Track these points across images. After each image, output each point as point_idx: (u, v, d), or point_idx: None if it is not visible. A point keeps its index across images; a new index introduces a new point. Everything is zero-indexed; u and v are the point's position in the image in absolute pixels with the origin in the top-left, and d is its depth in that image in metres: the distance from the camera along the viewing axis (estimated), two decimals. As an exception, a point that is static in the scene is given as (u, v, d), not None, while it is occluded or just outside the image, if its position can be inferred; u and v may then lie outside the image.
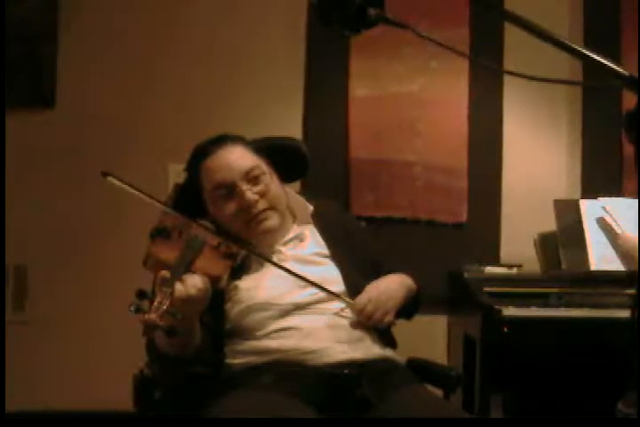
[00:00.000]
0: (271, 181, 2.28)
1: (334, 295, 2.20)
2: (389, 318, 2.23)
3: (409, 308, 2.36)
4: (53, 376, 3.68)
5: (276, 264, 2.21)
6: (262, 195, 2.24)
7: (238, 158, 2.26)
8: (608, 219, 3.41)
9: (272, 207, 2.26)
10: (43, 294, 3.72)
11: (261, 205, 2.24)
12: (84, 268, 3.73)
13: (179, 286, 1.90)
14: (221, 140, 2.28)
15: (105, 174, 2.12)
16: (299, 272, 2.19)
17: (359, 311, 2.18)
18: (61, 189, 3.73)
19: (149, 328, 1.80)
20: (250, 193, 2.22)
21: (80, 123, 3.77)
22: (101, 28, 3.79)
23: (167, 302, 1.83)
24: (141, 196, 2.14)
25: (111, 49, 3.80)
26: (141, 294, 1.83)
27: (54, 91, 3.74)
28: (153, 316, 1.79)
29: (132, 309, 1.79)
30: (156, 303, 1.82)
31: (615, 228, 3.37)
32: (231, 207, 2.22)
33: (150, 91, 3.80)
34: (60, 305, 3.71)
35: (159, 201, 2.18)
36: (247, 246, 2.21)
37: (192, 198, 2.27)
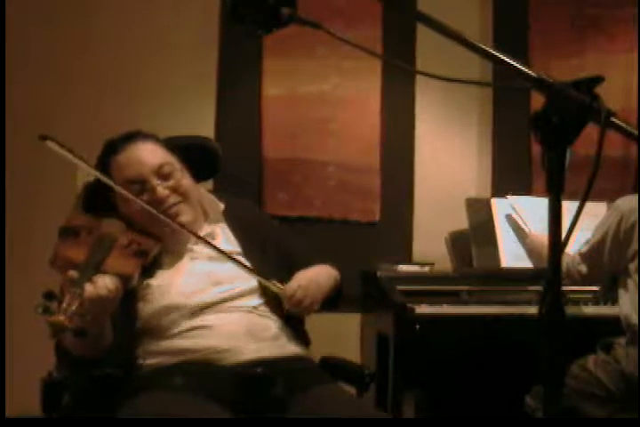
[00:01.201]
0: (182, 177, 2.27)
1: (264, 280, 2.20)
2: (316, 305, 2.23)
3: (333, 297, 2.37)
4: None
5: (207, 242, 2.21)
6: (174, 190, 2.23)
7: (149, 154, 2.24)
8: (516, 217, 3.47)
9: (184, 201, 2.25)
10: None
11: (172, 199, 2.22)
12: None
13: (88, 287, 1.88)
14: (132, 137, 2.26)
15: (44, 138, 2.09)
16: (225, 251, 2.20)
17: (289, 298, 2.17)
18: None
19: (57, 330, 1.77)
20: (161, 188, 2.20)
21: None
22: (22, 27, 3.70)
23: (76, 303, 1.80)
24: (81, 163, 2.13)
25: (25, 49, 3.71)
26: (49, 295, 1.79)
27: None
28: (61, 317, 1.76)
29: (39, 310, 1.76)
30: (64, 304, 1.79)
31: (522, 226, 3.44)
32: (136, 201, 2.19)
33: (63, 90, 3.73)
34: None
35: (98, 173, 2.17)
36: (159, 243, 2.18)
37: (102, 196, 2.25)
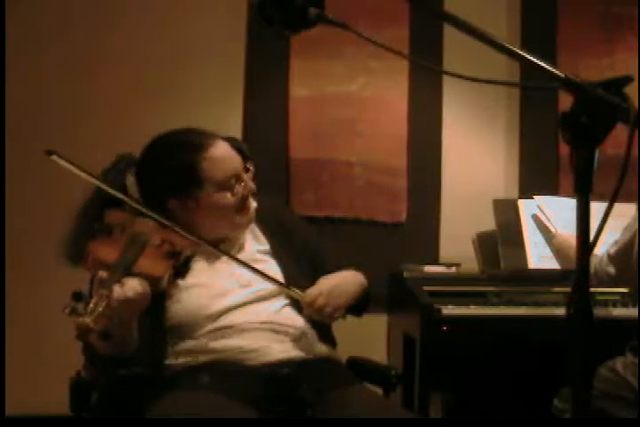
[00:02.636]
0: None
1: (286, 288, 2.18)
2: (339, 313, 2.21)
3: (359, 305, 2.34)
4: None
5: (232, 257, 2.20)
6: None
7: (234, 152, 2.27)
8: (542, 217, 3.45)
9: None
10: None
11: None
12: (18, 267, 3.67)
13: (117, 289, 1.86)
14: (207, 134, 2.27)
15: (49, 153, 2.08)
16: (255, 267, 2.19)
17: (309, 304, 2.15)
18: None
19: (83, 332, 1.76)
20: (251, 184, 2.26)
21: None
22: (46, 24, 3.73)
23: (103, 305, 1.79)
24: (88, 177, 2.11)
25: (51, 46, 3.74)
26: (77, 296, 1.79)
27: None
28: (87, 319, 1.75)
29: (67, 311, 1.75)
30: (91, 305, 1.78)
31: (549, 226, 3.42)
32: (229, 197, 2.21)
33: (91, 91, 3.75)
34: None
35: (104, 183, 2.14)
36: (193, 244, 2.18)
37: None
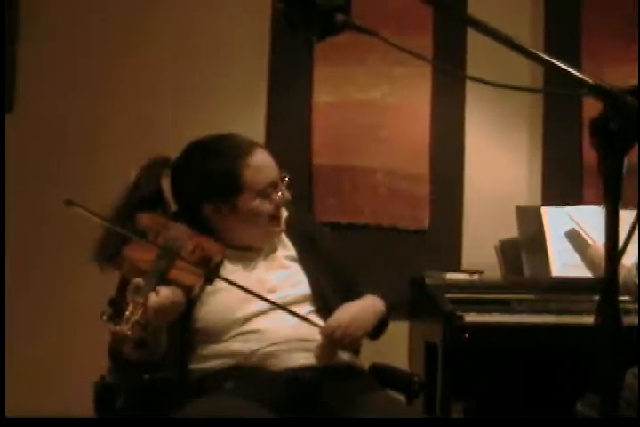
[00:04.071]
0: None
1: (303, 319, 2.18)
2: (355, 344, 2.26)
3: (376, 332, 2.35)
4: (12, 382, 3.62)
5: (241, 287, 2.15)
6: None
7: (273, 160, 2.30)
8: (579, 229, 3.42)
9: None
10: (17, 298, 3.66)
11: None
12: (43, 275, 3.68)
13: (152, 297, 1.87)
14: (247, 141, 2.30)
15: (69, 203, 2.07)
16: (267, 297, 2.17)
17: (327, 336, 2.16)
18: (22, 194, 3.68)
19: (119, 340, 1.77)
20: (287, 192, 2.28)
21: (39, 127, 3.72)
22: (63, 32, 3.76)
23: (139, 313, 1.79)
24: (108, 225, 2.10)
25: (71, 51, 3.76)
26: (113, 303, 1.80)
27: (13, 94, 3.69)
28: (125, 328, 1.76)
29: (104, 317, 1.76)
30: (127, 313, 1.78)
31: (586, 238, 3.39)
32: (266, 205, 2.24)
33: (113, 97, 3.76)
34: (18, 311, 3.67)
35: (126, 231, 2.10)
36: (223, 249, 2.19)
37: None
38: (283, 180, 2.28)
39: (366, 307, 2.28)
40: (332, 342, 2.16)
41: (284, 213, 2.31)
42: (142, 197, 2.22)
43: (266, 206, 2.23)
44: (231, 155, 2.23)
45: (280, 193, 2.25)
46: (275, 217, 2.27)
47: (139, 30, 3.81)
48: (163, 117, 3.74)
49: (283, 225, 2.30)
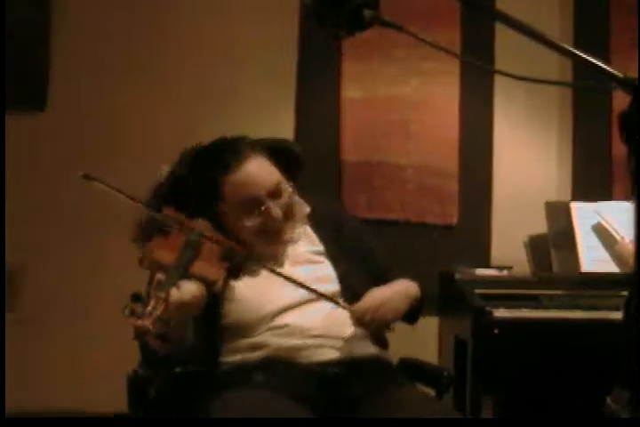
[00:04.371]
0: (290, 193, 2.28)
1: (333, 301, 2.18)
2: (384, 329, 2.24)
3: (410, 315, 2.34)
4: (46, 377, 3.67)
5: (274, 271, 2.18)
6: (283, 208, 2.24)
7: (264, 174, 2.24)
8: (605, 224, 3.41)
9: (290, 219, 2.27)
10: (35, 294, 3.70)
11: (282, 218, 2.24)
12: (77, 268, 3.72)
13: (174, 292, 1.88)
14: (241, 153, 2.24)
15: (86, 177, 2.10)
16: (299, 280, 2.17)
17: (357, 319, 2.16)
18: (54, 191, 3.73)
19: (141, 334, 1.78)
20: (275, 210, 2.22)
21: (71, 125, 3.76)
22: (93, 30, 3.79)
23: (161, 308, 1.81)
24: (124, 198, 2.12)
25: (102, 51, 3.79)
26: (136, 298, 1.81)
27: (46, 93, 3.73)
28: (146, 322, 1.77)
29: (126, 312, 1.77)
30: (149, 308, 1.80)
31: (614, 234, 3.38)
32: (254, 221, 2.21)
33: (143, 93, 3.80)
34: (51, 305, 3.71)
35: (140, 201, 2.15)
36: (246, 247, 2.20)
37: (181, 192, 2.25)
38: (273, 192, 2.23)
39: (398, 290, 2.26)
40: (362, 325, 2.16)
41: (304, 211, 2.30)
42: (170, 193, 2.25)
43: (249, 221, 2.21)
44: (215, 167, 2.22)
45: (266, 210, 2.21)
46: (267, 232, 2.23)
47: (169, 28, 3.83)
48: (193, 114, 3.77)
49: (287, 237, 2.27)
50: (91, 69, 3.78)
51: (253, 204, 2.20)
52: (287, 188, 2.27)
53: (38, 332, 3.70)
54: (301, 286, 2.16)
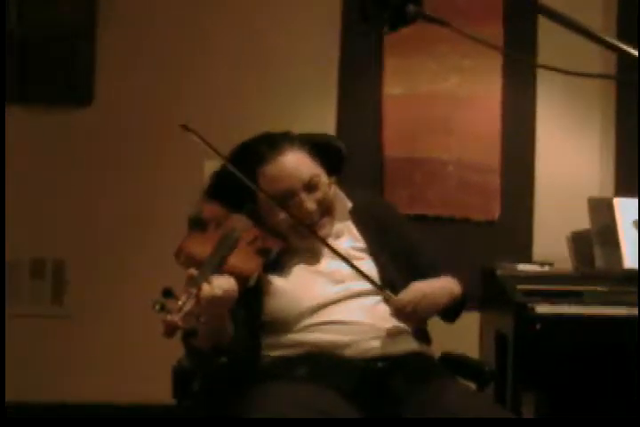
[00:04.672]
0: (328, 188, 2.26)
1: (378, 288, 2.17)
2: (424, 323, 2.26)
3: (449, 313, 2.33)
4: (91, 370, 3.72)
5: (331, 248, 2.17)
6: (320, 203, 2.23)
7: (299, 166, 2.22)
8: None
9: (327, 214, 2.25)
10: (81, 287, 3.76)
11: (317, 213, 2.22)
12: (122, 262, 3.77)
13: (205, 287, 1.87)
14: (279, 146, 2.23)
15: (184, 127, 2.13)
16: (351, 261, 2.16)
17: (397, 310, 2.13)
18: (99, 186, 3.78)
19: (170, 330, 1.77)
20: (309, 203, 2.20)
21: (117, 120, 3.81)
22: (138, 27, 3.84)
23: (191, 303, 1.80)
24: (213, 153, 2.14)
25: (147, 48, 3.84)
26: (167, 293, 1.80)
27: (92, 89, 3.79)
28: (175, 318, 1.76)
29: (156, 307, 1.76)
30: (180, 303, 1.79)
31: None
32: (287, 214, 2.19)
33: (187, 88, 3.83)
34: (98, 299, 3.76)
35: (227, 158, 2.19)
36: (284, 242, 2.21)
37: (231, 187, 2.24)
38: (309, 185, 2.21)
39: (440, 286, 2.24)
40: (400, 317, 2.14)
41: (345, 207, 2.29)
42: (215, 187, 2.28)
43: (283, 215, 2.19)
44: (253, 163, 2.21)
45: (300, 202, 2.19)
46: (301, 225, 2.20)
47: (216, 23, 3.86)
48: (237, 110, 3.80)
49: (324, 232, 2.24)
50: (135, 66, 3.82)
51: (287, 196, 2.19)
52: (325, 182, 2.25)
53: (86, 325, 3.75)
54: (347, 262, 2.14)
